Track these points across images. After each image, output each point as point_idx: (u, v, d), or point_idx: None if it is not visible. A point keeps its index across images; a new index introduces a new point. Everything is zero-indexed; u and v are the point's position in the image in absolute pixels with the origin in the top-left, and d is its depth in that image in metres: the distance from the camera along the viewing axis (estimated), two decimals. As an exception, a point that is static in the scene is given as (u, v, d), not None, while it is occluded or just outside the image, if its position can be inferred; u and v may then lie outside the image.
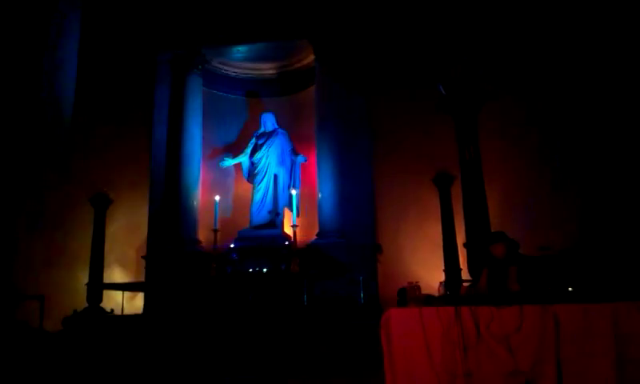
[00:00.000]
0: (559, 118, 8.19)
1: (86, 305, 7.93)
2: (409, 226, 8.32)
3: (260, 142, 9.08)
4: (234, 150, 9.42)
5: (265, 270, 7.70)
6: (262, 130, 9.21)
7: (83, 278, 8.23)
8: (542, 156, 8.10)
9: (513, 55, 8.37)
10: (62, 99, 9.63)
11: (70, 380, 5.65)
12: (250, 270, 7.72)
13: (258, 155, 9.02)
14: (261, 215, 8.78)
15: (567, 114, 8.16)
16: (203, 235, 8.66)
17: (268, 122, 9.18)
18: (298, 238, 7.71)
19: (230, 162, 9.27)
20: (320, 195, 8.41)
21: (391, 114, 8.65)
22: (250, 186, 9.16)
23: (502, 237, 4.52)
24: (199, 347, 6.45)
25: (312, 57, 8.95)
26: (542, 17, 8.41)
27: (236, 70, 9.80)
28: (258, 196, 8.89)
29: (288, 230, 8.39)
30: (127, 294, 8.19)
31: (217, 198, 8.08)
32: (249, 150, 9.15)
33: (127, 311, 7.93)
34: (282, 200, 8.86)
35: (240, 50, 9.47)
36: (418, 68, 8.48)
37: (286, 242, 8.05)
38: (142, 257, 8.59)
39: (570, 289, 3.95)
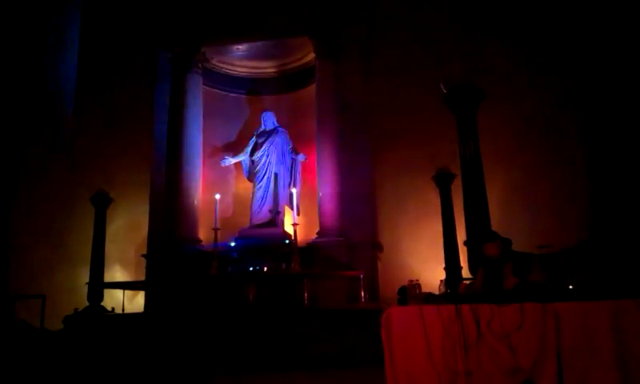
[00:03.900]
0: (560, 115, 8.19)
1: (87, 304, 7.94)
2: (409, 224, 8.32)
3: (260, 140, 9.09)
4: (235, 148, 9.43)
5: (265, 268, 7.70)
6: (262, 128, 9.21)
7: (84, 276, 8.25)
8: (542, 154, 8.10)
9: (514, 51, 8.36)
10: (62, 99, 9.64)
11: (71, 379, 5.65)
12: (251, 269, 7.71)
13: (258, 154, 9.02)
14: (261, 214, 8.78)
15: (568, 112, 8.16)
16: (204, 234, 8.66)
17: (268, 120, 9.18)
18: (299, 236, 7.69)
19: (230, 161, 9.27)
20: (320, 194, 8.40)
21: (392, 112, 8.64)
22: (250, 184, 9.17)
23: (494, 236, 4.51)
24: (200, 346, 6.45)
25: (312, 55, 8.94)
26: (543, 13, 8.40)
27: (236, 69, 9.80)
28: (259, 194, 8.89)
29: (288, 229, 8.38)
30: (128, 292, 8.20)
31: (217, 196, 8.06)
32: (249, 149, 9.16)
33: (128, 310, 7.93)
34: (282, 198, 8.86)
35: (240, 48, 9.47)
36: (419, 66, 8.48)
37: (287, 241, 8.04)
38: (142, 255, 8.59)
39: (570, 287, 3.94)
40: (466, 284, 4.79)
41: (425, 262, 7.68)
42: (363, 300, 7.30)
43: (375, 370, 3.98)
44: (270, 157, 8.96)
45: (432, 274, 6.91)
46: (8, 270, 8.20)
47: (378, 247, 8.23)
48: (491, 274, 4.29)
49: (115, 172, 8.99)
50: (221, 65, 9.69)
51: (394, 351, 3.74)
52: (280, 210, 8.84)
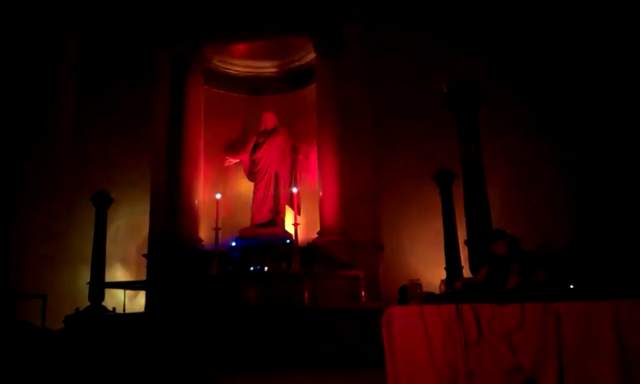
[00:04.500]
0: (561, 115, 8.19)
1: (88, 303, 7.95)
2: (410, 223, 8.32)
3: (261, 140, 9.09)
4: (235, 148, 9.42)
5: (266, 268, 7.70)
6: (262, 128, 9.21)
7: (85, 276, 8.26)
8: (543, 153, 8.10)
9: (514, 52, 8.36)
10: (62, 98, 9.65)
11: (73, 379, 5.65)
12: (252, 269, 7.71)
13: (258, 153, 9.02)
14: (262, 213, 8.78)
15: (568, 111, 8.16)
16: (204, 233, 8.66)
17: (269, 120, 9.18)
18: (300, 236, 7.69)
19: (231, 161, 9.27)
20: (321, 193, 8.41)
21: (393, 112, 8.64)
22: (251, 184, 9.17)
23: (504, 235, 4.51)
24: (201, 346, 6.45)
25: (313, 54, 8.94)
26: (544, 14, 8.40)
27: (237, 69, 9.79)
28: (259, 194, 8.89)
29: (289, 229, 8.38)
30: (129, 292, 8.21)
31: (218, 196, 8.07)
32: (250, 149, 9.15)
33: (129, 310, 7.94)
34: (282, 198, 8.86)
35: (241, 48, 9.47)
36: (420, 65, 8.48)
37: (288, 241, 8.04)
38: (143, 255, 8.60)
39: (571, 286, 3.93)
40: (465, 281, 4.77)
41: (425, 262, 7.69)
42: (364, 300, 7.30)
43: (376, 369, 3.98)
44: (270, 156, 8.97)
45: (433, 274, 6.90)
46: (10, 270, 8.21)
47: (379, 247, 8.22)
48: (496, 272, 4.29)
49: (116, 172, 9.00)
50: (221, 64, 9.68)
51: (394, 351, 3.73)
52: (281, 209, 8.83)
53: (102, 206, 8.38)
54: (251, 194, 9.04)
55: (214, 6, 9.01)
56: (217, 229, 7.78)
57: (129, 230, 8.96)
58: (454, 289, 4.27)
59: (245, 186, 9.30)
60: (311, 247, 8.04)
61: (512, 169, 7.99)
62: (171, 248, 8.30)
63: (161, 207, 8.65)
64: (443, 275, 7.14)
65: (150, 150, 8.98)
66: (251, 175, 9.17)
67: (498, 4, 8.55)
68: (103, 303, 8.06)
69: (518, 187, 7.96)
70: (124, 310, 7.85)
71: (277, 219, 8.74)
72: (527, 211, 7.72)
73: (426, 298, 4.01)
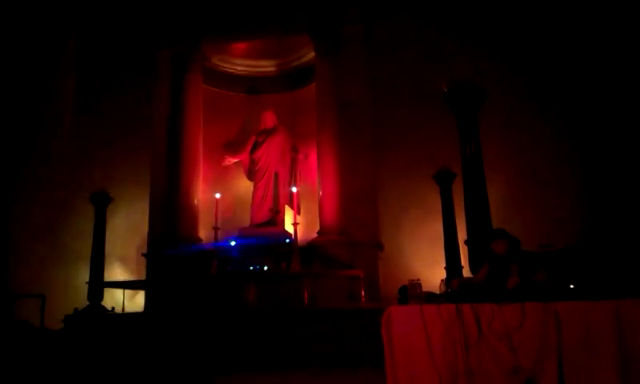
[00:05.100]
0: (561, 115, 8.18)
1: (87, 303, 7.94)
2: (410, 223, 8.31)
3: (260, 139, 9.07)
4: (235, 147, 9.39)
5: (266, 268, 7.68)
6: (262, 127, 9.19)
7: (84, 275, 8.25)
8: (543, 152, 8.09)
9: (515, 50, 8.35)
10: (61, 98, 9.64)
11: (72, 379, 5.64)
12: (251, 269, 7.70)
13: (258, 153, 9.00)
14: (261, 213, 8.76)
15: (569, 111, 8.15)
16: (204, 233, 8.64)
17: (268, 119, 9.16)
18: (299, 235, 7.67)
19: (230, 160, 9.25)
20: (321, 193, 8.39)
21: (393, 111, 8.63)
22: (250, 183, 9.15)
23: (503, 234, 4.50)
24: (201, 346, 6.44)
25: (312, 53, 8.92)
26: (544, 14, 8.39)
27: (236, 67, 9.77)
28: (259, 194, 8.86)
29: (289, 228, 8.36)
30: (128, 292, 8.20)
31: (217, 195, 8.05)
32: (249, 148, 9.13)
33: (128, 309, 7.93)
34: (282, 197, 8.83)
35: (240, 47, 9.45)
36: (420, 64, 8.47)
37: (287, 240, 8.02)
38: (142, 255, 8.58)
39: (571, 286, 3.92)
40: (463, 280, 4.77)
41: (425, 262, 7.68)
42: (364, 299, 7.28)
43: (376, 369, 3.97)
44: (269, 156, 8.94)
45: (433, 274, 6.89)
46: (7, 269, 8.20)
47: (378, 246, 8.20)
48: (496, 272, 4.29)
49: (115, 170, 8.99)
50: (221, 63, 9.66)
51: (394, 351, 3.72)
52: (280, 209, 8.81)
53: (101, 205, 8.37)
54: (250, 194, 9.02)
55: (214, 4, 8.99)
56: (216, 228, 7.76)
57: (128, 229, 8.94)
58: (452, 287, 4.26)
59: (244, 186, 9.28)
60: (311, 247, 8.01)
61: (513, 168, 7.99)
62: (170, 247, 8.27)
63: (160, 206, 8.63)
64: (443, 275, 7.12)
65: (150, 149, 8.96)
66: (251, 174, 9.15)
67: (498, 3, 8.54)
68: (102, 303, 8.05)
69: (519, 186, 7.95)
70: (123, 309, 7.83)
71: (276, 219, 8.72)
72: (528, 211, 7.71)
73: (426, 297, 4.01)
